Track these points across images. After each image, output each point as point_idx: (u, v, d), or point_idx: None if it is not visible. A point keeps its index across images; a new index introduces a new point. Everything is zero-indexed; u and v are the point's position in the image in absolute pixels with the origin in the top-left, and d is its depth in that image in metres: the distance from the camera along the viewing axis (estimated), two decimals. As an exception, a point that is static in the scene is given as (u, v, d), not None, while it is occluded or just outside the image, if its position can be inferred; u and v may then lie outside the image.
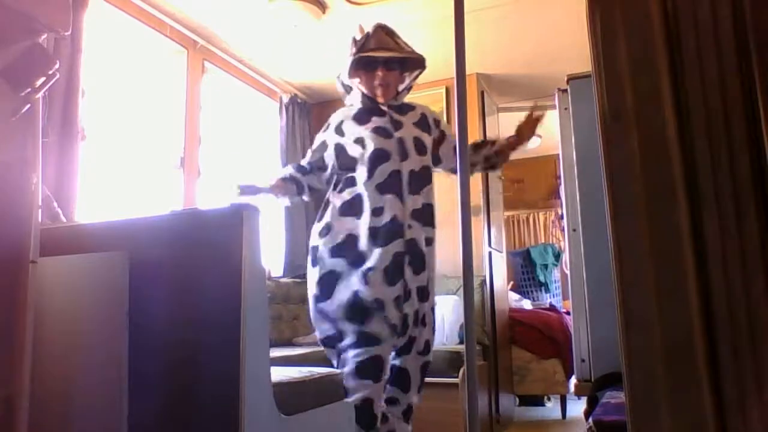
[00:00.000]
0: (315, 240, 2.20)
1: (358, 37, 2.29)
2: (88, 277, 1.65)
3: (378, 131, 2.21)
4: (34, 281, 1.38)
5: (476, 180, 3.98)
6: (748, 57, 1.17)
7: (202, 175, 3.53)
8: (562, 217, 4.77)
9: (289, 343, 3.62)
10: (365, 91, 2.29)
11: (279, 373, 1.83)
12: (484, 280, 3.83)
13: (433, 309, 2.28)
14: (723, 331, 1.12)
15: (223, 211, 1.68)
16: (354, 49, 2.26)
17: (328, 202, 2.24)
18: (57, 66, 1.40)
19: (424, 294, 2.18)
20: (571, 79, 2.56)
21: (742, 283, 1.12)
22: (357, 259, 2.10)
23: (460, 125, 1.56)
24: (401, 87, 2.34)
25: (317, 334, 2.22)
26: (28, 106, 1.38)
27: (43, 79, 1.37)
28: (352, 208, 2.16)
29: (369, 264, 2.06)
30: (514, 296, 4.80)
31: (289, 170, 2.35)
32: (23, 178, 1.38)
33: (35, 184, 1.40)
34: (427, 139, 2.28)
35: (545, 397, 4.68)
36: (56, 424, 1.59)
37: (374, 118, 2.25)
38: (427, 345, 2.23)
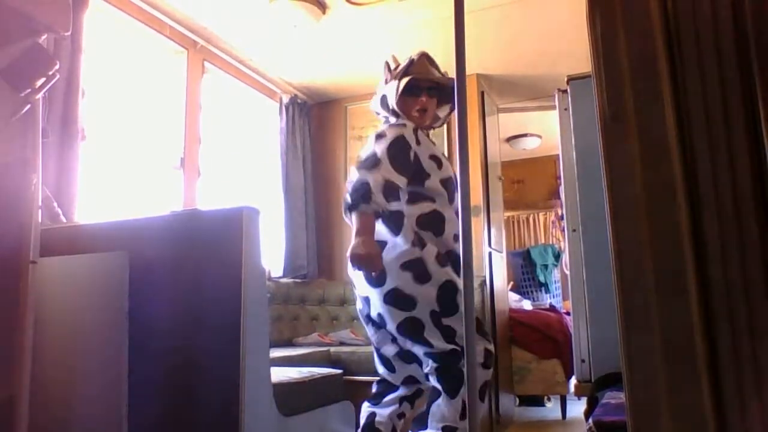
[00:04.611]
0: (412, 253, 2.02)
1: (392, 64, 2.32)
2: (88, 277, 1.65)
3: (445, 158, 2.24)
4: (34, 281, 1.38)
5: (476, 180, 3.99)
6: (748, 57, 1.17)
7: (202, 175, 3.53)
8: (562, 217, 4.77)
9: (289, 343, 3.62)
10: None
11: (279, 374, 1.83)
12: (484, 281, 3.82)
13: None
14: (723, 331, 1.12)
15: (223, 211, 1.68)
16: (390, 75, 2.28)
17: (402, 214, 2.08)
18: (57, 66, 1.40)
19: None
20: (571, 79, 2.56)
21: (742, 283, 1.12)
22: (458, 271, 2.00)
23: (460, 125, 1.56)
24: (436, 121, 2.36)
25: (433, 349, 2.01)
26: (28, 106, 1.38)
27: (43, 79, 1.38)
28: (432, 223, 2.07)
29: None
30: (514, 296, 4.80)
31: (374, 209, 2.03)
32: (23, 178, 1.39)
33: (35, 184, 1.40)
34: None
35: (545, 398, 4.68)
36: (56, 424, 1.59)
37: (438, 155, 2.22)
38: None
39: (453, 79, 2.26)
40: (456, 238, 2.10)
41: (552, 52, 3.80)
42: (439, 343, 1.99)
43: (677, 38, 1.22)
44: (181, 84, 3.45)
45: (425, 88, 2.25)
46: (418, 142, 2.17)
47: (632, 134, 1.23)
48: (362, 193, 1.95)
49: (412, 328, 2.01)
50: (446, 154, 3.44)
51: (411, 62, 2.27)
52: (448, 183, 2.17)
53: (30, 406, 1.36)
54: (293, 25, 3.33)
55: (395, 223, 2.07)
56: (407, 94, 2.24)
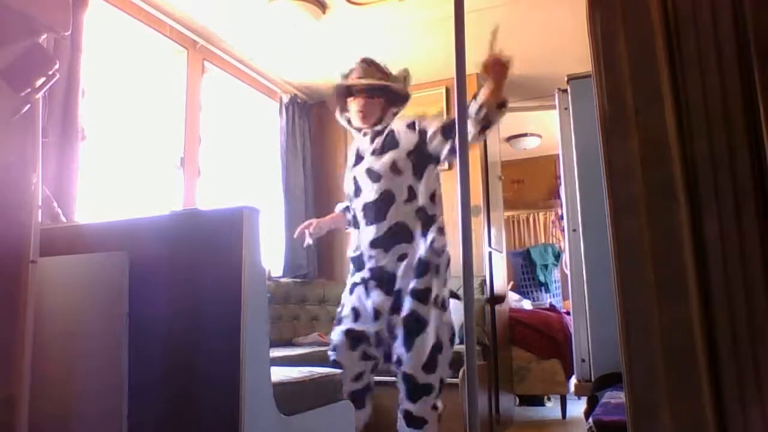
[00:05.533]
0: None
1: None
2: (88, 277, 1.65)
3: (350, 171, 2.41)
4: (34, 281, 1.38)
5: (476, 180, 3.98)
6: (748, 57, 1.17)
7: (202, 175, 3.53)
8: (562, 217, 4.77)
9: (289, 343, 3.62)
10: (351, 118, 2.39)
11: (279, 373, 1.83)
12: (484, 280, 3.82)
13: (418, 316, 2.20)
14: (723, 331, 1.12)
15: (223, 211, 1.68)
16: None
17: None
18: (57, 66, 1.40)
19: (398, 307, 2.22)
20: (571, 79, 2.57)
21: (742, 284, 1.12)
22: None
23: (460, 125, 1.56)
24: (386, 115, 2.37)
25: None
26: (28, 106, 1.38)
27: (43, 79, 1.37)
28: (353, 240, 2.46)
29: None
30: (514, 296, 4.80)
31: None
32: (23, 178, 1.38)
33: (35, 184, 1.40)
34: (398, 156, 2.27)
35: (545, 397, 4.68)
36: (56, 424, 1.59)
37: (357, 152, 2.42)
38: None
39: (389, 79, 2.35)
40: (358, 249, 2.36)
41: (552, 52, 3.80)
42: None
43: (677, 38, 1.22)
44: (181, 84, 3.45)
45: (362, 91, 2.31)
46: (345, 161, 2.52)
47: (632, 134, 1.23)
48: None
49: None
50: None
51: (350, 71, 2.38)
52: (351, 197, 2.38)
53: (30, 406, 1.36)
54: (293, 24, 3.32)
55: None
56: (349, 97, 2.35)
